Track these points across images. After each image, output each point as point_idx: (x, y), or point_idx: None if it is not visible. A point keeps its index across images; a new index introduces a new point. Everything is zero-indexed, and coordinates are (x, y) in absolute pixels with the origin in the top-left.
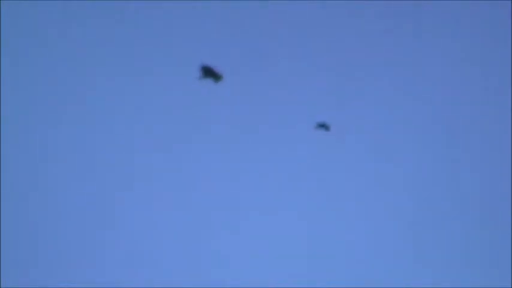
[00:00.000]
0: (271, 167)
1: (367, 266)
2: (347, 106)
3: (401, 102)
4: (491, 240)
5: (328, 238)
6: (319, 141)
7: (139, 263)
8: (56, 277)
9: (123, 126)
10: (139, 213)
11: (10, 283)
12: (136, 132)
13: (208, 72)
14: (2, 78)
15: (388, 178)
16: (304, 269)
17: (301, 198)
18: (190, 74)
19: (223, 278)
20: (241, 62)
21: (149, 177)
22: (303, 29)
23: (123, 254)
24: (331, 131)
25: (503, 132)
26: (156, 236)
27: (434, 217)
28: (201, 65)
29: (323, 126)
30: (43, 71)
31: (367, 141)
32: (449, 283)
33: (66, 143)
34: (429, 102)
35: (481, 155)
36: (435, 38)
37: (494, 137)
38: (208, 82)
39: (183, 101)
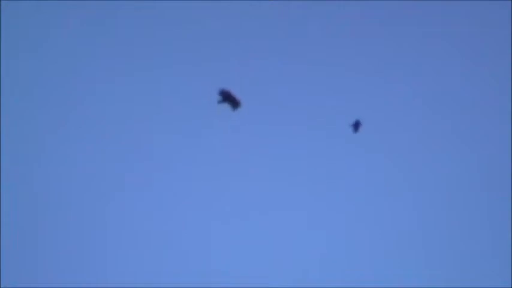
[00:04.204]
0: (271, 167)
1: (368, 266)
2: (350, 106)
3: (401, 102)
4: (491, 240)
5: (330, 238)
6: (319, 141)
7: (138, 263)
8: (56, 277)
9: (124, 127)
10: (138, 213)
11: (10, 283)
12: (136, 132)
13: (227, 98)
14: (2, 78)
15: (388, 178)
16: (304, 270)
17: (300, 198)
18: (191, 75)
19: (223, 278)
20: (241, 60)
21: (149, 178)
22: (305, 28)
23: (123, 255)
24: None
25: (503, 132)
26: (156, 237)
27: (435, 217)
28: (220, 89)
29: (356, 125)
30: (43, 71)
31: (368, 141)
32: (450, 283)
33: (67, 143)
34: (429, 102)
35: (482, 154)
36: (435, 38)
37: (495, 136)
38: (225, 108)
39: (183, 100)
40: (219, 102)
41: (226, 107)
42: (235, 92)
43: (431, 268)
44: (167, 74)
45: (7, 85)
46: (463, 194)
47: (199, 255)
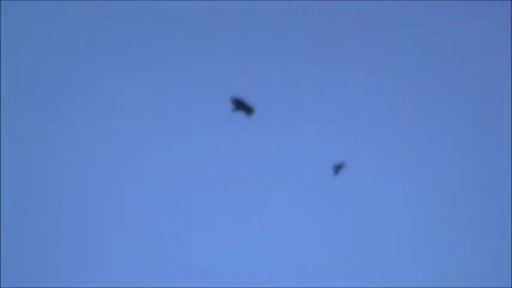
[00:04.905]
0: (270, 167)
1: (367, 266)
2: (347, 105)
3: (401, 103)
4: (491, 240)
5: (329, 238)
6: (319, 141)
7: (138, 263)
8: (56, 277)
9: (124, 127)
10: (137, 213)
11: (10, 283)
12: (136, 133)
13: (241, 105)
14: (2, 78)
15: (388, 178)
16: (304, 270)
17: (300, 198)
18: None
19: (221, 278)
20: (240, 60)
21: (148, 178)
22: (302, 29)
23: (122, 255)
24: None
25: (503, 132)
26: (155, 237)
27: (435, 218)
28: (232, 97)
29: (339, 168)
30: (43, 71)
31: (369, 141)
32: (450, 283)
33: (67, 143)
34: (429, 102)
35: (481, 155)
36: (435, 37)
37: (494, 136)
38: (240, 115)
39: (182, 100)
40: (233, 110)
41: (240, 114)
42: (247, 99)
43: (431, 268)
44: (169, 73)
45: (7, 85)
46: (463, 194)
47: (198, 255)
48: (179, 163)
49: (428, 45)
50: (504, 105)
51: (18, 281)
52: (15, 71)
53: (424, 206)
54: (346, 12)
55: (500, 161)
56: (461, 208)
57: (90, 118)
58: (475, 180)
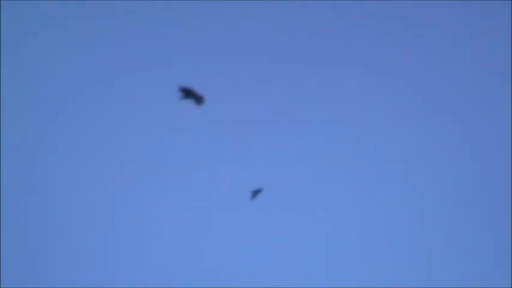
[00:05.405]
0: (266, 165)
1: (367, 266)
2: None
3: (401, 103)
4: (491, 240)
5: (327, 238)
6: (319, 141)
7: (138, 263)
8: (56, 277)
9: (123, 127)
10: (137, 214)
11: (10, 283)
12: (136, 133)
13: (189, 94)
14: (2, 78)
15: (387, 177)
16: (303, 270)
17: (296, 198)
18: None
19: (221, 278)
20: (240, 59)
21: (149, 179)
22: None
23: (122, 255)
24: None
25: (502, 132)
26: (156, 237)
27: (434, 216)
28: (180, 87)
29: (256, 192)
30: (43, 71)
31: (367, 141)
32: (450, 283)
33: (67, 143)
34: (429, 102)
35: (480, 155)
36: (435, 38)
37: (494, 135)
38: (190, 103)
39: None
40: (181, 98)
41: (190, 102)
42: (198, 89)
43: (431, 268)
44: (167, 74)
45: (7, 85)
46: (463, 194)
47: (198, 255)
48: (179, 163)
49: (429, 45)
50: (504, 105)
51: (18, 281)
52: (15, 71)
53: (424, 205)
54: (346, 12)
55: (500, 161)
56: (461, 208)
57: (89, 118)
58: (475, 179)
